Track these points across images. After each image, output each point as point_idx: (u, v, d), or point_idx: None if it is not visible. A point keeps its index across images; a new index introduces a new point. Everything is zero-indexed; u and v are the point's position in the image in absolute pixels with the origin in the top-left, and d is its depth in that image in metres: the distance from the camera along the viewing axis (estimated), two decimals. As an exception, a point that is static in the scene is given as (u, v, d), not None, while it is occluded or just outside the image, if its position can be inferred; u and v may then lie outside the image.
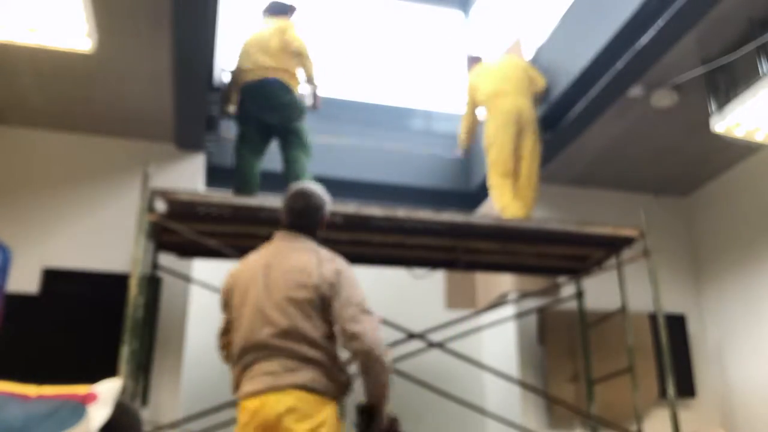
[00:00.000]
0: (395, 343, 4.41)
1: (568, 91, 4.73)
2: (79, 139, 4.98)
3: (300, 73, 4.72)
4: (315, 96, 4.82)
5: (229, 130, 5.48)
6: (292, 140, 4.62)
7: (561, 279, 5.31)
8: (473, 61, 5.59)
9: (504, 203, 4.83)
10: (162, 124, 4.84)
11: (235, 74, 4.75)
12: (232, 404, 4.04)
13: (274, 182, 4.66)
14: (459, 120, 6.72)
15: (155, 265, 4.37)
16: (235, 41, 5.02)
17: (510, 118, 4.91)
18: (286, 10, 4.94)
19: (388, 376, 2.44)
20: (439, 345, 4.50)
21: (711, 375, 5.69)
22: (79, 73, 4.31)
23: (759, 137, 4.48)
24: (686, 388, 5.49)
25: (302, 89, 4.76)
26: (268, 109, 4.60)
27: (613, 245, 4.71)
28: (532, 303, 5.34)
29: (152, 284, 4.35)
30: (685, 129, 5.11)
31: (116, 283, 4.33)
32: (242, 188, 4.54)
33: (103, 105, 4.68)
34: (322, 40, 6.68)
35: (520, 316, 5.36)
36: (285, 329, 2.39)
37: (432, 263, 4.87)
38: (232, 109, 4.83)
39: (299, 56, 4.67)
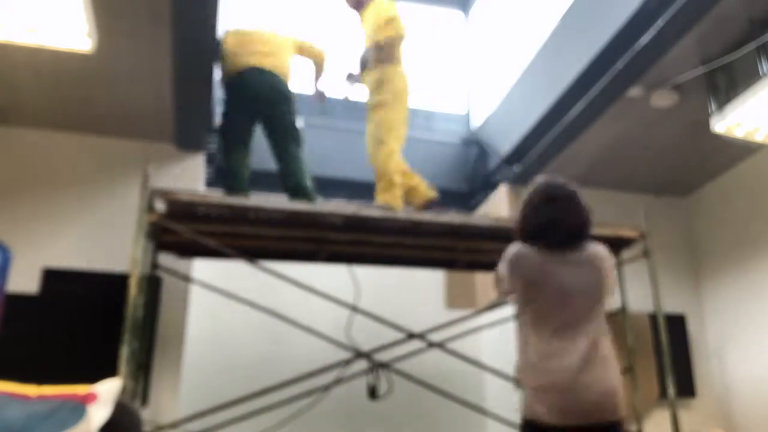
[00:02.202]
0: (395, 343, 4.42)
1: (568, 91, 4.73)
2: (79, 139, 4.98)
3: (297, 65, 4.66)
4: (320, 90, 4.77)
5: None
6: (287, 135, 4.45)
7: (561, 279, 5.30)
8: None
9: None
10: (162, 124, 4.84)
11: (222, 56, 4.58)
12: (232, 404, 4.06)
13: (269, 181, 4.67)
14: (459, 120, 6.74)
15: (155, 265, 4.37)
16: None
17: None
18: None
19: None
20: (439, 345, 4.50)
21: (711, 375, 5.69)
22: (79, 73, 4.31)
23: (759, 137, 4.48)
24: (686, 388, 5.49)
25: (300, 83, 4.71)
26: (262, 100, 4.43)
27: (613, 245, 4.71)
28: (532, 303, 5.33)
29: (152, 284, 4.35)
30: (685, 129, 5.11)
31: (116, 283, 4.33)
32: (235, 186, 4.43)
33: (103, 105, 4.68)
34: (322, 39, 6.67)
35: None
36: None
37: (432, 263, 4.87)
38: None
39: (307, 50, 4.65)
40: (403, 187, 4.52)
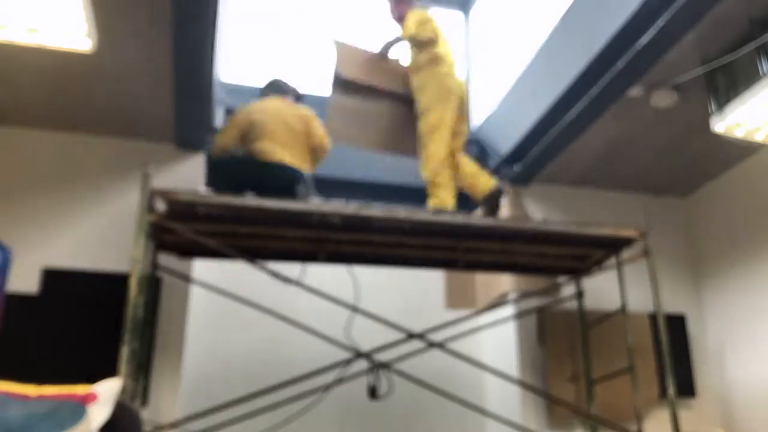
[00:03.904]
0: (395, 343, 4.42)
1: (568, 91, 4.73)
2: (79, 139, 4.98)
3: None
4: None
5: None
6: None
7: (561, 279, 5.31)
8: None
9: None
10: (162, 124, 4.84)
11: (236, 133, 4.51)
12: (232, 404, 4.05)
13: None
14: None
15: (155, 265, 4.37)
16: (235, 47, 5.00)
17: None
18: (289, 91, 4.83)
19: None
20: (439, 345, 4.50)
21: (711, 375, 5.69)
22: (79, 73, 4.31)
23: (759, 137, 4.48)
24: (686, 388, 5.49)
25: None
26: (274, 188, 4.26)
27: (613, 245, 4.71)
28: (532, 303, 5.34)
29: (152, 284, 4.35)
30: (685, 129, 5.11)
31: (116, 283, 4.32)
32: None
33: (104, 105, 4.68)
34: (322, 39, 6.67)
35: (520, 316, 5.36)
36: None
37: (432, 263, 4.87)
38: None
39: (319, 151, 4.65)
40: (457, 183, 4.63)
